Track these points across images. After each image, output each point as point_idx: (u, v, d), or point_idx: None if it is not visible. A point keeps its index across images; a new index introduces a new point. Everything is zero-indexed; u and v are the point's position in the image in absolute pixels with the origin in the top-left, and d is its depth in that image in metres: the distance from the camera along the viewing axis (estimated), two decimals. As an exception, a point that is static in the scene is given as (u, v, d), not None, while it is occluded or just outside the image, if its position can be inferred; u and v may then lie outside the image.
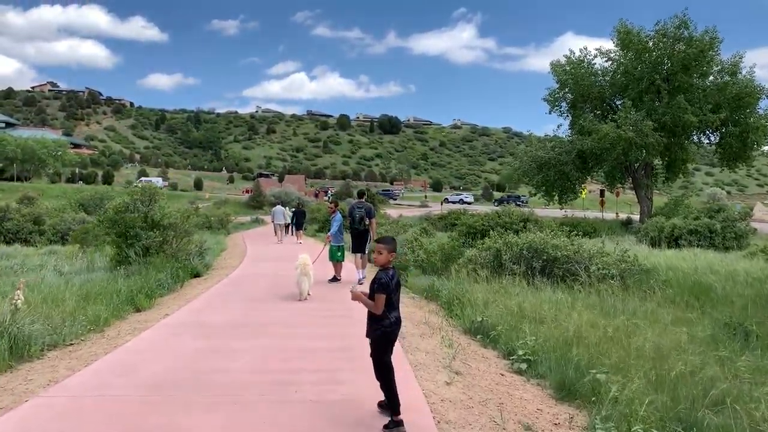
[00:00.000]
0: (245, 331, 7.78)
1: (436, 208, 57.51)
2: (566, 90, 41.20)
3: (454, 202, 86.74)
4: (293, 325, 8.27)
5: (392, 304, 4.52)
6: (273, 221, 27.65)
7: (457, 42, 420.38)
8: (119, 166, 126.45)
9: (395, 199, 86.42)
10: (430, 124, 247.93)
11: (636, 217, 41.21)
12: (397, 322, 4.59)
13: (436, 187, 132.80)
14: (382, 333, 4.51)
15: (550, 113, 42.55)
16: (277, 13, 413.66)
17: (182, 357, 6.39)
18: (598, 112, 41.45)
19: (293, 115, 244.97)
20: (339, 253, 13.17)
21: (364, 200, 13.74)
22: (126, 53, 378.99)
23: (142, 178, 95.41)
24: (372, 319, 4.55)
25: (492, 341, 7.84)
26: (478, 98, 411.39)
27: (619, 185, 43.81)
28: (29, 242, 22.12)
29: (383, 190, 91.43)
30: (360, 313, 9.19)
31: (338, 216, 13.50)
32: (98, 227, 13.71)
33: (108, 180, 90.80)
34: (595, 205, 58.46)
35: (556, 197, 41.08)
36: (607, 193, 48.07)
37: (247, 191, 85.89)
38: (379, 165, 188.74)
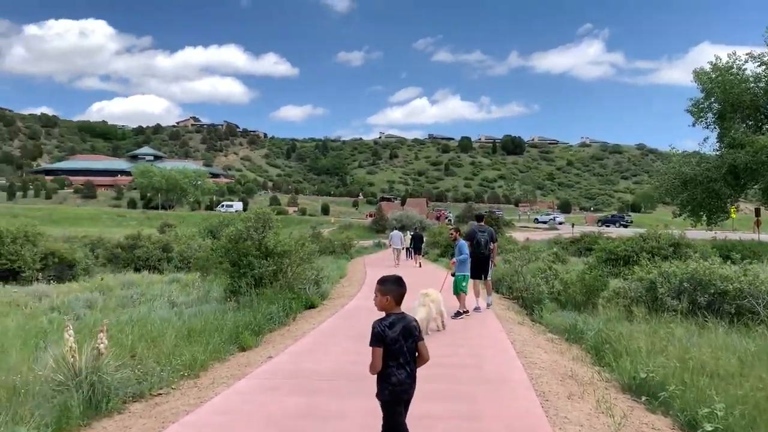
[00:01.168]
0: (348, 385, 6.57)
1: (566, 231, 54.40)
2: (712, 99, 37.19)
3: (544, 222, 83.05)
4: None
5: (397, 359, 3.81)
6: (391, 245, 27.42)
7: (582, 58, 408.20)
8: (253, 193, 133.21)
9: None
10: (556, 144, 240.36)
11: (801, 238, 36.06)
12: (408, 379, 3.84)
13: (565, 208, 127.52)
14: (390, 393, 3.81)
15: (693, 125, 38.57)
16: (399, 41, 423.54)
17: (269, 423, 5.27)
18: (751, 122, 36.99)
19: (415, 140, 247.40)
20: (464, 283, 11.80)
21: (483, 224, 13.16)
22: (260, 88, 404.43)
23: (224, 204, 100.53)
24: (378, 376, 3.87)
25: (662, 405, 6.08)
26: (607, 115, 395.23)
27: (780, 203, 38.71)
28: (158, 269, 22.69)
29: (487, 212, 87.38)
30: (493, 365, 7.71)
31: (462, 242, 12.17)
32: (213, 255, 13.32)
33: (243, 207, 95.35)
34: (746, 225, 52.40)
35: (704, 217, 37.02)
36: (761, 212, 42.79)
37: (370, 215, 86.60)
38: (503, 186, 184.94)
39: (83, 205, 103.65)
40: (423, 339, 3.95)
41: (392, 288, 3.94)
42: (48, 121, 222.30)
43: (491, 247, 12.51)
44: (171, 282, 17.19)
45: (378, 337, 3.80)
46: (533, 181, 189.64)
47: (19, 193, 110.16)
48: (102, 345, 6.03)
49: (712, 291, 10.50)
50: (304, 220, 78.46)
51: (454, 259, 12.12)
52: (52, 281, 17.51)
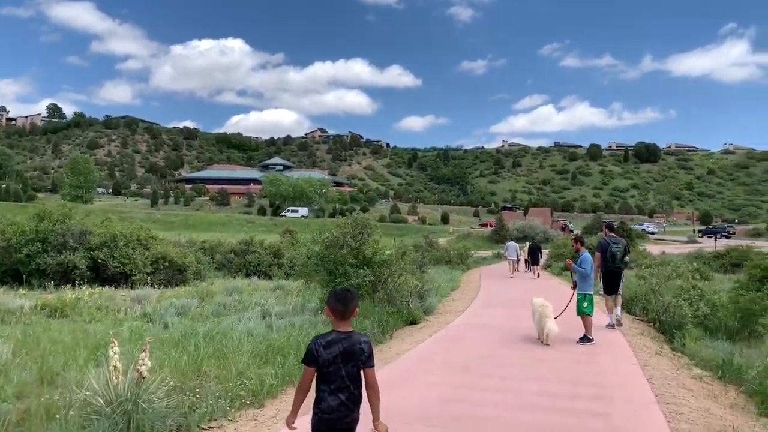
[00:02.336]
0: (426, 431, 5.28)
1: (708, 245, 49.39)
2: None
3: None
4: (512, 428, 5.52)
5: (330, 383, 3.35)
6: (506, 256, 26.17)
7: (724, 60, 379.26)
8: (375, 201, 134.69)
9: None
10: (695, 151, 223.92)
11: None
12: (342, 408, 3.35)
13: (705, 220, 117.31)
14: (318, 420, 3.36)
15: None
16: (523, 48, 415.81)
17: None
18: None
19: (540, 148, 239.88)
20: (586, 304, 10.05)
21: (615, 235, 12.08)
22: (384, 99, 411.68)
23: (289, 209, 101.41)
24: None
25: None
26: (754, 120, 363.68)
27: None
28: (268, 275, 22.52)
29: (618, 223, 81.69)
30: (625, 414, 5.53)
31: (586, 255, 10.45)
32: (309, 263, 12.52)
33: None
34: None
35: None
36: None
37: (488, 224, 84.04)
38: (635, 196, 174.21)
39: (217, 212, 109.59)
40: (373, 366, 3.41)
41: (331, 301, 3.45)
42: (189, 134, 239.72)
43: (627, 260, 11.70)
44: (275, 289, 16.69)
45: (309, 356, 3.36)
46: (669, 190, 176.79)
47: (161, 200, 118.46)
48: (144, 367, 5.17)
49: None
50: (423, 229, 77.57)
51: (570, 261, 10.69)
52: (160, 286, 17.65)
